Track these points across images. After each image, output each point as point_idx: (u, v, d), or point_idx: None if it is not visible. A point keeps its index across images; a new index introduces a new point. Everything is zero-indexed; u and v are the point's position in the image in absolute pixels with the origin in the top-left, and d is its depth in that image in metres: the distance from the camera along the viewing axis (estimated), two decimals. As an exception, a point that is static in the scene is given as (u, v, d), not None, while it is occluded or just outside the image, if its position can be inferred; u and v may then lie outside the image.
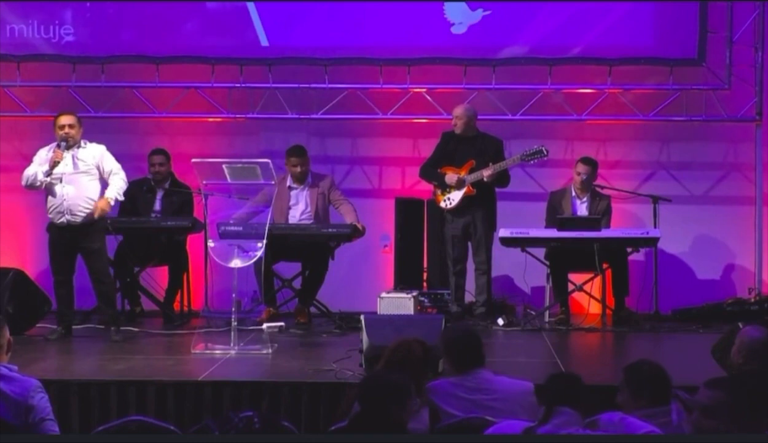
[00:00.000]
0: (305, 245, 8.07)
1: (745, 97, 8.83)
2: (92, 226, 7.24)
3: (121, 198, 7.38)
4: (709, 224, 9.01)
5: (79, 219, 7.20)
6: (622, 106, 8.90)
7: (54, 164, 7.15)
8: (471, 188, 7.94)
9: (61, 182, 7.19)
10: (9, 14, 8.87)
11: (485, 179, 7.91)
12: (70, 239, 7.26)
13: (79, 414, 5.58)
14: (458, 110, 8.13)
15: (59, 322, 7.37)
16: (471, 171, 7.96)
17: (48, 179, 7.20)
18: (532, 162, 8.09)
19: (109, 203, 7.22)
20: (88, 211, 7.20)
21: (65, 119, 7.30)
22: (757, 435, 2.96)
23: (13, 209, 9.16)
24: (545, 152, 8.00)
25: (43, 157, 7.30)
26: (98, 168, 7.29)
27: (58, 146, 7.22)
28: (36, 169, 7.26)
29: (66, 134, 7.23)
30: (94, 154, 7.31)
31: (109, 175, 7.28)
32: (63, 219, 7.20)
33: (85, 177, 7.25)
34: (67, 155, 7.21)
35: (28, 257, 9.01)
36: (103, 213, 7.19)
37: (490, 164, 7.93)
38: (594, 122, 8.98)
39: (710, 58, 8.73)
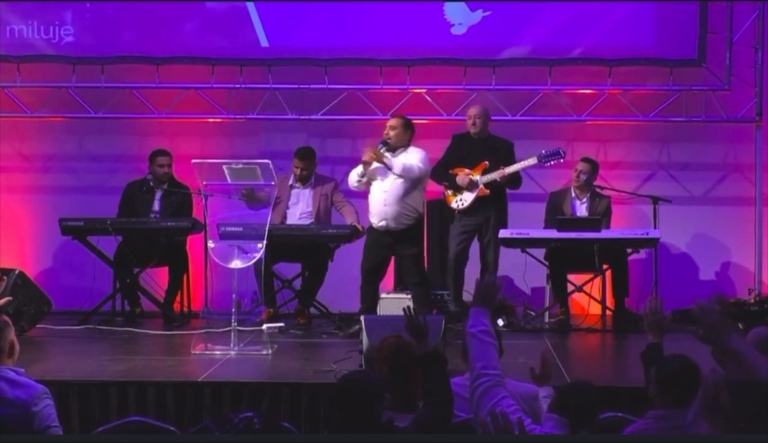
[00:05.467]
0: (305, 246, 8.07)
1: (745, 98, 8.84)
2: None
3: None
4: (709, 224, 9.01)
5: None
6: (623, 106, 8.90)
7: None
8: (484, 188, 7.92)
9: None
10: (9, 15, 8.87)
11: (499, 180, 7.89)
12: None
13: (79, 415, 5.59)
14: (476, 110, 8.07)
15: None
16: (485, 172, 7.93)
17: None
18: (548, 164, 8.06)
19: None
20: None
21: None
22: (758, 435, 2.95)
23: (13, 209, 9.17)
24: (562, 154, 7.97)
25: None
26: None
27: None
28: None
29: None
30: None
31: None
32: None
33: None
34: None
35: (28, 257, 9.02)
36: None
37: (501, 166, 7.91)
38: (594, 122, 8.98)
39: (710, 59, 8.74)
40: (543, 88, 8.84)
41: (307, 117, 9.02)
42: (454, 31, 8.83)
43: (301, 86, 8.93)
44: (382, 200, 7.43)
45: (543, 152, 7.98)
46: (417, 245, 7.56)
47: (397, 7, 8.76)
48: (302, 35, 8.84)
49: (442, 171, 8.10)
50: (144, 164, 8.66)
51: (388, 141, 7.41)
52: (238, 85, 8.93)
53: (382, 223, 7.46)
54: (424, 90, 8.93)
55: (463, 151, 8.06)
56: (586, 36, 8.76)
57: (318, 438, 4.91)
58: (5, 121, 9.05)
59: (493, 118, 8.77)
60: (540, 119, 8.93)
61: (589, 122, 8.97)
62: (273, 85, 8.91)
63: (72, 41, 8.94)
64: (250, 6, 8.89)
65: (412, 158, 7.41)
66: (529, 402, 4.48)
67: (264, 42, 8.92)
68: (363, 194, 9.02)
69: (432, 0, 8.82)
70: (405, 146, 7.49)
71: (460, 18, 8.82)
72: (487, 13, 8.79)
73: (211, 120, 9.12)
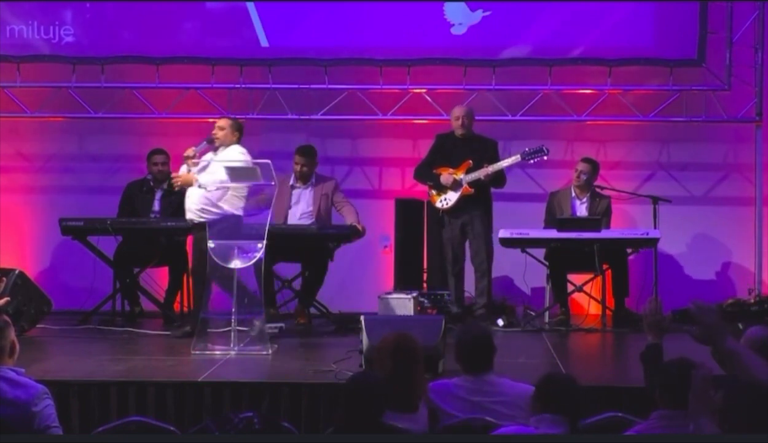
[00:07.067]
0: (305, 246, 8.07)
1: (745, 98, 8.84)
2: None
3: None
4: (709, 224, 9.01)
5: None
6: (622, 106, 8.90)
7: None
8: (468, 187, 7.94)
9: None
10: (9, 15, 8.88)
11: (483, 179, 7.90)
12: None
13: (79, 415, 5.58)
14: (463, 110, 8.07)
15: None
16: (468, 171, 7.96)
17: None
18: (531, 161, 8.08)
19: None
20: None
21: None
22: (758, 435, 2.95)
23: (13, 209, 9.17)
24: (545, 151, 7.99)
25: None
26: None
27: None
28: None
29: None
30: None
31: None
32: None
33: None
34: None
35: (28, 257, 9.02)
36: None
37: (486, 164, 7.93)
38: (594, 122, 8.98)
39: (710, 59, 8.73)
40: (543, 88, 8.84)
41: (307, 117, 9.02)
42: (454, 31, 8.83)
43: (301, 86, 8.93)
44: (188, 193, 7.32)
45: (527, 149, 8.00)
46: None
47: (397, 7, 8.76)
48: (302, 35, 8.84)
49: (425, 171, 8.12)
50: (144, 164, 8.65)
51: (214, 140, 7.38)
52: (238, 85, 8.93)
53: (187, 214, 7.35)
54: (424, 90, 8.93)
55: (447, 150, 8.08)
56: (586, 36, 8.76)
57: (318, 438, 4.92)
58: (5, 121, 9.05)
59: (493, 118, 8.81)
60: (540, 118, 8.93)
61: (589, 122, 8.97)
62: (273, 85, 8.91)
63: (72, 41, 8.94)
64: (250, 6, 8.89)
65: (232, 155, 7.29)
66: (526, 402, 4.48)
67: (264, 42, 8.92)
68: (362, 194, 9.07)
69: (432, 0, 8.82)
70: (229, 145, 7.41)
71: (460, 18, 8.82)
72: (487, 13, 8.79)
73: (211, 120, 9.05)
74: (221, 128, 7.39)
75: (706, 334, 3.34)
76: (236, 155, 7.29)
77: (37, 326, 7.57)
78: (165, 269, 8.43)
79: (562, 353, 6.99)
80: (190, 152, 7.30)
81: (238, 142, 7.40)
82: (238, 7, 8.92)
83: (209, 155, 7.35)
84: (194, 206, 7.24)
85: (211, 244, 6.95)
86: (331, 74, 8.86)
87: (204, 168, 7.26)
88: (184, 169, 7.37)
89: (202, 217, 7.19)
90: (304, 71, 8.89)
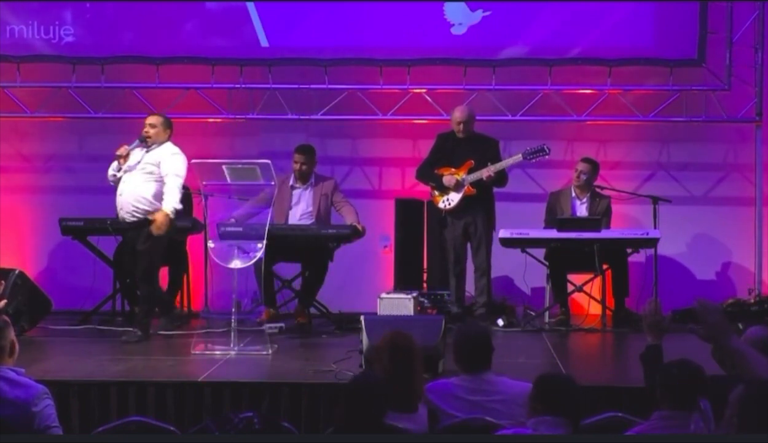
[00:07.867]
0: (305, 246, 8.06)
1: (745, 98, 8.84)
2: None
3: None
4: (709, 224, 9.02)
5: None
6: (622, 106, 8.90)
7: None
8: (471, 187, 7.95)
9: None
10: (9, 15, 8.88)
11: (485, 179, 7.90)
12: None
13: (79, 415, 5.59)
14: (464, 115, 8.03)
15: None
16: (470, 171, 7.96)
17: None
18: (533, 160, 8.08)
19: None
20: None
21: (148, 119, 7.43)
22: (758, 435, 2.96)
23: (13, 209, 9.17)
24: (547, 151, 7.99)
25: None
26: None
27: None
28: None
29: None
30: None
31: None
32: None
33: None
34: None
35: (28, 257, 9.02)
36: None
37: (489, 163, 7.93)
38: (594, 122, 8.98)
39: (710, 59, 8.74)
40: (543, 88, 8.84)
41: (307, 117, 9.03)
42: (454, 31, 8.83)
43: (301, 86, 8.93)
44: (120, 190, 7.32)
45: (528, 149, 8.00)
46: (150, 241, 7.24)
47: (397, 7, 8.76)
48: (302, 35, 8.84)
49: (427, 171, 8.12)
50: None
51: (147, 138, 7.35)
52: (238, 85, 8.93)
53: (120, 213, 7.34)
54: (424, 90, 8.93)
55: (449, 150, 8.08)
56: (586, 36, 8.76)
57: (318, 438, 4.92)
58: (5, 121, 9.05)
59: (493, 118, 8.80)
60: (540, 118, 8.93)
61: (589, 122, 8.97)
62: (273, 85, 8.91)
63: (72, 41, 8.94)
64: (250, 6, 8.89)
65: (164, 153, 7.29)
66: (525, 400, 4.47)
67: (264, 42, 8.92)
68: (362, 194, 9.07)
69: (432, 0, 8.83)
70: (161, 143, 7.39)
71: (460, 18, 8.82)
72: (487, 13, 8.79)
73: (211, 120, 9.11)
74: (152, 126, 7.37)
75: (710, 333, 3.35)
76: (169, 153, 7.28)
77: (37, 326, 7.57)
78: (164, 269, 8.41)
79: (562, 353, 6.99)
80: (122, 150, 7.29)
81: (169, 139, 7.39)
82: (238, 7, 8.92)
83: (139, 153, 7.32)
84: (124, 205, 7.26)
85: (211, 244, 6.95)
86: (331, 74, 8.86)
87: (134, 166, 7.26)
88: (114, 166, 7.36)
89: (136, 216, 7.21)
90: (304, 71, 8.89)
